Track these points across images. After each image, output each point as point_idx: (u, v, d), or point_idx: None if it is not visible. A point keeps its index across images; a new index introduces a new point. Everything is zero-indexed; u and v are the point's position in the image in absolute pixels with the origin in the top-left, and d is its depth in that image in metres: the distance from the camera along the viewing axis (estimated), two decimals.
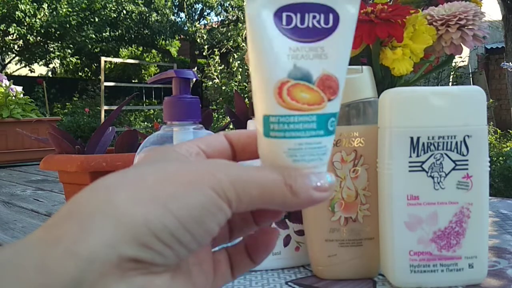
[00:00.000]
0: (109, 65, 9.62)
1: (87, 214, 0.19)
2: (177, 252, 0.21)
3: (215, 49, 5.33)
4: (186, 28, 8.82)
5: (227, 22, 8.34)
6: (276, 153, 0.24)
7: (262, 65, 0.24)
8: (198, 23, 9.13)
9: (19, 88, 1.77)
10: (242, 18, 6.80)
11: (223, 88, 4.74)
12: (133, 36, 8.63)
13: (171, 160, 0.24)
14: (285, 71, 0.24)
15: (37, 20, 7.41)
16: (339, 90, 0.25)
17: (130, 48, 9.69)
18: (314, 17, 0.24)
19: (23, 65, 9.13)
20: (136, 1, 8.14)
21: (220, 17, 9.12)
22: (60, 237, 0.19)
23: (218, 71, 4.94)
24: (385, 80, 0.51)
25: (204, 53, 5.21)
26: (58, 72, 10.72)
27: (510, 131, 4.30)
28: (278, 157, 0.24)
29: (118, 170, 0.22)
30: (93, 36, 7.93)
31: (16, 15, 7.10)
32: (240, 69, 4.68)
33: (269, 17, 0.24)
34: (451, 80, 5.27)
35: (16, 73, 9.09)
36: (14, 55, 8.89)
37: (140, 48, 9.80)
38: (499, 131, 4.46)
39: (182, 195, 0.21)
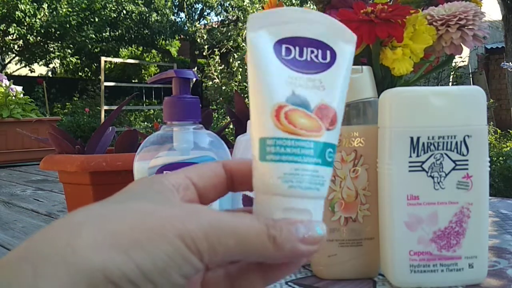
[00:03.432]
0: (109, 65, 9.62)
1: (43, 257, 0.18)
2: None
3: (215, 49, 5.33)
4: (186, 28, 8.82)
5: (227, 22, 8.33)
6: (271, 178, 0.23)
7: (261, 88, 0.24)
8: (198, 23, 9.12)
9: (19, 88, 1.78)
10: (242, 18, 6.79)
11: (223, 88, 4.75)
12: (133, 36, 8.63)
13: (147, 199, 0.22)
14: (284, 95, 0.24)
15: (37, 20, 7.41)
16: (337, 122, 0.25)
17: (130, 48, 9.69)
18: (312, 51, 0.25)
19: (23, 65, 9.12)
20: (136, 1, 8.14)
21: (220, 17, 9.12)
22: (12, 282, 0.18)
23: (218, 71, 4.94)
24: (385, 80, 0.51)
25: (204, 53, 5.22)
26: (58, 72, 10.72)
27: (510, 131, 4.30)
28: (273, 183, 0.23)
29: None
30: (93, 36, 7.93)
31: (16, 15, 7.10)
32: (240, 69, 4.68)
33: (269, 47, 0.24)
34: (451, 80, 5.27)
35: (16, 73, 9.08)
36: (14, 55, 8.89)
37: (140, 48, 9.80)
38: (499, 131, 4.46)
39: (146, 243, 0.19)
